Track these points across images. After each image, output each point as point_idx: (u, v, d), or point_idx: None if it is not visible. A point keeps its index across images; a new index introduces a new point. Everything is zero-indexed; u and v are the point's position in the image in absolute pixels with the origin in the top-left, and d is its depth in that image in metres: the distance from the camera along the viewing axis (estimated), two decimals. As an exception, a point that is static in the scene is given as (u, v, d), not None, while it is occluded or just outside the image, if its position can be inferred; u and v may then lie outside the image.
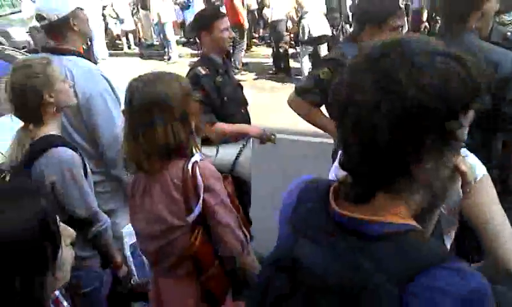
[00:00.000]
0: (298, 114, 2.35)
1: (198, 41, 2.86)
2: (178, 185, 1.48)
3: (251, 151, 2.62)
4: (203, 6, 8.43)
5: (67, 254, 0.96)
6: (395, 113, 0.66)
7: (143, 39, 11.68)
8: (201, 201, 1.47)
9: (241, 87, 2.78)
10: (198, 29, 2.64)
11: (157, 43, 11.08)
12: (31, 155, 1.70)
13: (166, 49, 10.04)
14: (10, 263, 0.84)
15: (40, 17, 2.19)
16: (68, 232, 0.97)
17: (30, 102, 1.72)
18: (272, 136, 2.63)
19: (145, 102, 1.46)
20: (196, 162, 1.49)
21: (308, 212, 0.82)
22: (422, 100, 0.66)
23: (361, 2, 2.31)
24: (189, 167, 1.48)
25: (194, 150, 1.55)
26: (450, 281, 0.66)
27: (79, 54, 2.19)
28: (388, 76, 0.68)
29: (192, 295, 1.58)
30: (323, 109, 2.31)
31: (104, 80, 2.19)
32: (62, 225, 0.97)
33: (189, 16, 10.22)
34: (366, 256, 0.69)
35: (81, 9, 2.20)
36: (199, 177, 1.47)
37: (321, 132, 2.40)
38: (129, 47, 11.35)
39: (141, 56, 10.90)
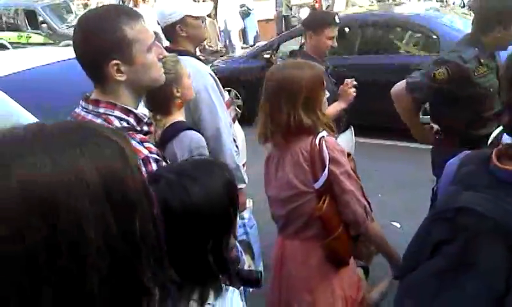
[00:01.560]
0: (396, 106, 2.42)
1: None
2: (306, 156, 1.71)
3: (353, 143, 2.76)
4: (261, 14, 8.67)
5: (237, 223, 1.13)
6: None
7: (207, 46, 12.14)
8: (326, 170, 1.68)
9: (338, 87, 2.94)
10: (306, 27, 2.85)
11: (222, 49, 11.47)
12: (163, 138, 1.95)
13: (231, 55, 10.39)
14: (206, 225, 0.99)
15: (158, 22, 2.52)
16: (246, 202, 1.15)
17: (161, 95, 1.95)
18: (350, 81, 2.73)
19: (275, 85, 1.74)
20: (323, 136, 1.72)
21: (470, 171, 0.99)
22: None
23: (488, 1, 2.28)
24: (317, 141, 1.70)
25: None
26: None
27: (190, 54, 2.43)
28: None
29: (316, 256, 1.78)
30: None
31: (210, 78, 2.42)
32: None
33: (249, 24, 10.61)
34: None
35: (194, 17, 2.42)
36: (325, 149, 1.68)
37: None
38: (194, 53, 11.78)
39: (205, 62, 11.31)
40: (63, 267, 0.51)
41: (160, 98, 1.98)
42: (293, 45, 6.00)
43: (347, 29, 5.44)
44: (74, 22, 8.37)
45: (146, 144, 1.32)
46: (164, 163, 1.35)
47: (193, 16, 2.43)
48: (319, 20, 2.87)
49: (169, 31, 2.43)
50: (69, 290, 0.51)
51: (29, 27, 10.23)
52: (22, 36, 10.24)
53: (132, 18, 1.32)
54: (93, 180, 0.53)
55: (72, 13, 10.44)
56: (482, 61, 2.24)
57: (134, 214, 0.56)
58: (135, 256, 0.56)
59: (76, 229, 0.51)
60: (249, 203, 2.45)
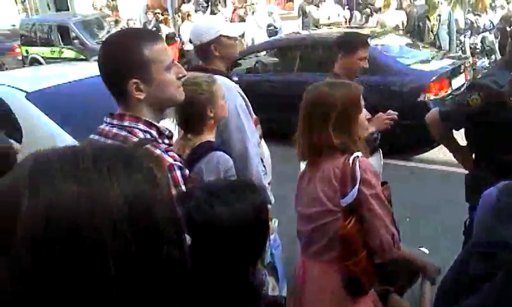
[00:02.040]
0: (432, 133, 2.43)
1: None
2: (338, 173, 1.68)
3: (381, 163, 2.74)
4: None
5: (267, 249, 1.11)
6: None
7: (233, 63, 12.29)
8: (356, 189, 1.63)
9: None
10: (339, 48, 2.85)
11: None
12: (192, 158, 1.96)
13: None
14: (232, 246, 0.97)
15: (191, 41, 2.54)
16: (270, 225, 1.12)
17: (195, 115, 1.99)
18: (393, 113, 2.71)
19: (308, 104, 1.76)
20: (357, 156, 1.68)
21: (508, 206, 0.94)
22: None
23: None
24: (350, 160, 1.67)
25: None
26: None
27: (220, 73, 2.45)
28: None
29: (334, 281, 1.72)
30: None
31: (240, 97, 2.43)
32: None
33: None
34: None
35: (228, 36, 2.45)
36: (357, 169, 1.64)
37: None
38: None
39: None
40: (84, 298, 0.49)
41: (194, 118, 2.00)
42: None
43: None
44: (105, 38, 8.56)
45: (171, 153, 1.38)
46: (187, 171, 1.40)
47: (227, 36, 2.46)
48: (352, 41, 2.86)
49: (203, 49, 2.46)
50: None
51: (61, 43, 10.57)
52: (54, 51, 10.58)
53: (151, 40, 1.40)
54: (120, 210, 0.51)
55: (103, 29, 10.74)
56: None
57: (160, 246, 0.54)
58: (158, 289, 0.54)
59: (97, 259, 0.50)
60: (274, 223, 2.43)
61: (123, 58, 1.37)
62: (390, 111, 2.79)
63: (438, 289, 1.07)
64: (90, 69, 4.12)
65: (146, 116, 1.40)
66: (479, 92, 2.17)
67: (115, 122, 1.40)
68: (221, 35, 2.43)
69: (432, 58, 6.21)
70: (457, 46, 7.33)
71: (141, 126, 1.38)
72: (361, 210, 1.66)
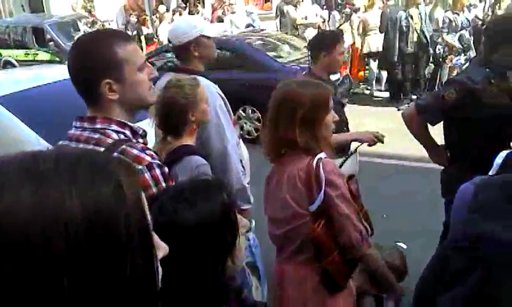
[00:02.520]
0: (408, 129, 2.45)
1: (310, 60, 3.02)
2: (303, 177, 1.68)
3: (357, 165, 2.75)
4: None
5: (241, 242, 1.09)
6: None
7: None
8: (322, 192, 1.64)
9: (343, 106, 2.93)
10: (319, 49, 2.84)
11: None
12: (167, 161, 1.92)
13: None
14: (198, 248, 0.96)
15: (169, 41, 2.54)
16: (243, 222, 1.09)
17: (175, 119, 1.97)
18: (381, 135, 2.72)
19: (276, 101, 1.75)
20: (320, 158, 1.68)
21: (488, 198, 0.95)
22: None
23: (496, 21, 2.33)
24: (314, 162, 1.67)
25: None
26: None
27: (199, 74, 2.42)
28: None
29: (311, 279, 1.75)
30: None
31: (220, 98, 2.42)
32: (238, 216, 1.10)
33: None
34: None
35: (207, 36, 2.44)
36: (322, 171, 1.65)
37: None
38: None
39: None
40: None
41: (174, 121, 1.98)
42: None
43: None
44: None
45: (148, 151, 1.36)
46: (166, 169, 1.39)
47: (207, 36, 2.45)
48: (330, 38, 2.88)
49: (182, 49, 2.45)
50: None
51: (36, 45, 10.34)
52: (29, 54, 10.33)
53: (123, 40, 1.39)
54: (76, 221, 0.48)
55: (79, 31, 10.54)
56: (492, 81, 2.21)
57: (123, 261, 0.51)
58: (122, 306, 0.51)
59: (47, 274, 0.47)
60: (252, 223, 2.42)
61: (95, 58, 1.34)
62: (380, 132, 2.79)
63: (416, 287, 1.07)
64: (65, 71, 4.04)
65: (118, 117, 1.38)
66: (454, 87, 2.22)
67: (86, 125, 1.37)
68: (201, 35, 2.43)
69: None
70: (439, 44, 7.46)
71: (114, 127, 1.35)
72: (329, 212, 1.68)
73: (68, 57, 1.40)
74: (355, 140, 2.78)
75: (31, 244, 0.46)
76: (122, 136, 1.36)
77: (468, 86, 2.18)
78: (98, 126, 1.35)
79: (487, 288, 0.84)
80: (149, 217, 0.57)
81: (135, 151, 1.30)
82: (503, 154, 1.48)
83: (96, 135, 1.34)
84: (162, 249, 0.62)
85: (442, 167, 2.55)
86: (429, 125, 2.46)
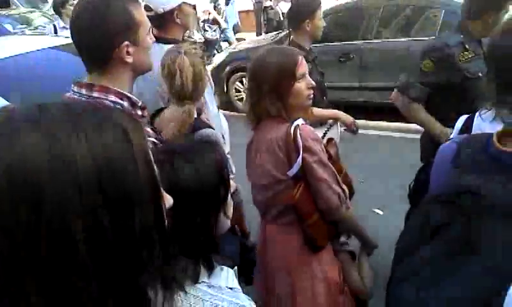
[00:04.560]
0: (401, 111, 2.41)
1: (289, 30, 2.98)
2: (281, 145, 1.71)
3: (338, 135, 2.80)
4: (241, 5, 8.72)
5: (231, 201, 1.13)
6: None
7: (185, 36, 12.01)
8: (300, 158, 1.68)
9: (323, 75, 2.95)
10: (301, 18, 2.80)
11: (200, 40, 11.40)
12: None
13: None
14: (195, 202, 1.00)
15: (146, 8, 2.42)
16: (232, 183, 1.13)
17: (193, 87, 1.90)
18: (356, 128, 2.78)
19: (249, 72, 1.77)
20: (297, 125, 1.71)
21: (470, 154, 1.00)
22: None
23: None
24: (291, 130, 1.70)
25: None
26: None
27: (179, 43, 2.38)
28: None
29: (295, 239, 1.81)
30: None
31: None
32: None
33: (229, 13, 10.60)
34: None
35: (190, 4, 2.38)
36: (299, 138, 1.68)
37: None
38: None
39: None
40: (47, 262, 0.47)
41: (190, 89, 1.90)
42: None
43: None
44: (51, 12, 8.13)
45: (145, 128, 1.32)
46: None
47: (189, 4, 2.40)
48: (311, 5, 2.84)
49: (164, 17, 2.38)
50: (55, 288, 0.48)
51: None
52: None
53: (134, 1, 1.36)
54: (86, 168, 0.49)
55: (47, 2, 10.15)
56: (467, 46, 2.25)
57: (132, 208, 0.52)
58: (130, 254, 0.52)
59: (60, 220, 0.47)
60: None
61: (114, 20, 1.30)
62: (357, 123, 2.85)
63: (396, 244, 1.08)
64: (42, 42, 3.92)
65: (123, 84, 1.35)
66: (429, 57, 2.23)
67: (84, 92, 1.33)
68: (183, 2, 2.37)
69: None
70: None
71: (112, 97, 1.32)
72: (307, 177, 1.71)
73: (75, 20, 1.33)
74: (334, 118, 2.81)
75: (43, 191, 0.47)
76: (118, 107, 1.32)
77: (442, 50, 2.20)
78: (95, 95, 1.32)
79: (467, 238, 0.87)
80: (156, 168, 0.57)
81: None
82: (463, 118, 1.54)
83: None
84: (168, 200, 0.63)
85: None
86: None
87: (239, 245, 2.03)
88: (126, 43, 1.30)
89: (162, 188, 0.60)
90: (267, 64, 1.75)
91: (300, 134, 1.68)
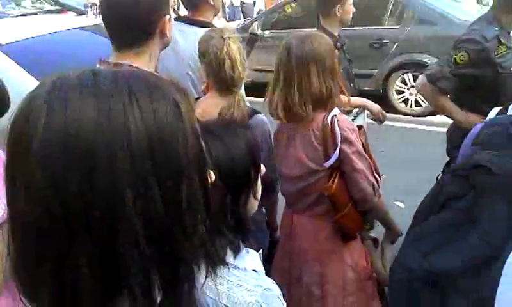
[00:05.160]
0: (427, 101, 2.38)
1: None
2: (318, 135, 1.70)
3: (365, 124, 2.79)
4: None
5: (259, 185, 1.12)
6: None
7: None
8: (338, 149, 1.68)
9: (351, 62, 2.90)
10: (332, 3, 2.72)
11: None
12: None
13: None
14: (225, 180, 0.95)
15: None
16: (262, 167, 1.12)
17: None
18: (383, 118, 2.73)
19: (303, 56, 1.70)
20: (335, 115, 1.71)
21: (492, 133, 1.03)
22: None
23: None
24: (329, 119, 1.69)
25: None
26: None
27: (211, 26, 2.28)
28: None
29: (325, 230, 1.82)
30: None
31: None
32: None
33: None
34: None
35: None
36: (337, 128, 1.67)
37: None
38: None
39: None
40: (96, 228, 0.48)
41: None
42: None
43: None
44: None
45: None
46: None
47: None
48: None
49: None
50: (102, 256, 0.48)
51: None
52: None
53: None
54: (138, 135, 0.49)
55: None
56: (502, 40, 2.18)
57: (180, 180, 0.52)
58: (177, 225, 0.52)
59: (112, 186, 0.47)
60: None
61: None
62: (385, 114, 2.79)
63: (416, 211, 1.14)
64: (67, 22, 3.97)
65: (154, 61, 1.31)
66: (465, 49, 2.17)
67: None
68: None
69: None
70: None
71: None
72: (343, 167, 1.71)
73: None
74: (365, 106, 2.76)
75: (97, 158, 0.47)
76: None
77: (479, 43, 2.13)
78: None
79: (471, 212, 0.91)
80: (201, 140, 0.57)
81: None
82: (496, 110, 1.52)
83: None
84: (211, 175, 0.62)
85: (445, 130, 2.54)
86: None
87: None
88: (168, 16, 1.26)
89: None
90: (323, 46, 1.72)
91: (338, 124, 1.67)
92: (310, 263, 1.85)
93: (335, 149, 1.68)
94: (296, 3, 6.90)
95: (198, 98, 1.90)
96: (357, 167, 1.70)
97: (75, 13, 5.15)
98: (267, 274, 1.91)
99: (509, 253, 0.80)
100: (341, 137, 1.67)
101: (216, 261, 0.57)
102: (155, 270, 0.51)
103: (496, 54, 2.17)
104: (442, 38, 5.11)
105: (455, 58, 2.18)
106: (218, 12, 2.48)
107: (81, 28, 3.65)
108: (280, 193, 2.01)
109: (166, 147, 0.51)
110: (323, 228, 1.82)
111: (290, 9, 6.98)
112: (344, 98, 2.56)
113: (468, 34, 2.29)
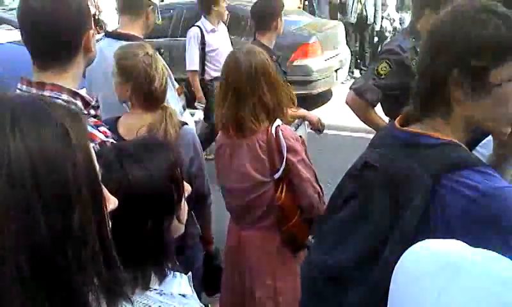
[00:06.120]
0: (356, 114, 2.31)
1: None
2: (263, 146, 1.69)
3: (306, 135, 2.82)
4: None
5: (185, 205, 1.05)
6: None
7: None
8: (285, 159, 1.68)
9: (285, 74, 2.94)
10: (270, 17, 2.81)
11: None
12: None
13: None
14: (145, 204, 0.94)
15: None
16: (186, 186, 1.06)
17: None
18: (322, 128, 2.76)
19: (252, 67, 1.68)
20: (278, 125, 1.71)
21: (381, 134, 1.12)
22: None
23: None
24: (273, 130, 1.69)
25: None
26: (476, 178, 0.84)
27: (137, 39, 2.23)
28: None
29: (274, 242, 1.80)
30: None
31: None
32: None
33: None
34: (416, 159, 0.91)
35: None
36: (282, 138, 1.67)
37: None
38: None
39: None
40: None
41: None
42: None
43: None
44: (13, 5, 7.79)
45: (101, 128, 1.25)
46: None
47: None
48: (278, 3, 2.90)
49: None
50: None
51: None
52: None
53: None
54: (20, 164, 0.47)
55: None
56: (418, 50, 2.23)
57: (69, 208, 0.50)
58: (67, 253, 0.50)
59: None
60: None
61: (79, 10, 1.21)
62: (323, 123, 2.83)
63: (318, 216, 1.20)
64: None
65: (79, 77, 1.26)
66: (385, 60, 2.17)
67: (34, 91, 1.20)
68: None
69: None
70: (385, 18, 7.84)
71: (65, 96, 1.20)
72: (290, 176, 1.73)
73: (32, 7, 1.19)
74: (304, 117, 2.79)
75: None
76: (73, 107, 1.26)
77: (399, 55, 2.14)
78: (47, 94, 1.19)
79: (363, 209, 0.97)
80: (98, 167, 0.56)
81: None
82: None
83: None
84: (111, 201, 0.61)
85: None
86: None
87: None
88: (91, 31, 1.22)
89: (105, 189, 0.58)
90: (264, 59, 1.73)
91: (283, 134, 1.68)
92: (262, 277, 1.82)
93: (281, 160, 1.68)
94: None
95: (118, 117, 1.81)
96: (304, 176, 1.71)
97: (11, 27, 4.91)
98: (216, 289, 1.91)
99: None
100: (287, 147, 1.68)
101: (116, 293, 0.54)
102: (44, 301, 0.49)
103: (414, 64, 2.23)
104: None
105: (377, 70, 2.18)
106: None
107: (19, 43, 3.50)
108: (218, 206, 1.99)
109: (52, 176, 0.49)
110: (272, 239, 1.80)
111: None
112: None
113: (389, 44, 2.33)
